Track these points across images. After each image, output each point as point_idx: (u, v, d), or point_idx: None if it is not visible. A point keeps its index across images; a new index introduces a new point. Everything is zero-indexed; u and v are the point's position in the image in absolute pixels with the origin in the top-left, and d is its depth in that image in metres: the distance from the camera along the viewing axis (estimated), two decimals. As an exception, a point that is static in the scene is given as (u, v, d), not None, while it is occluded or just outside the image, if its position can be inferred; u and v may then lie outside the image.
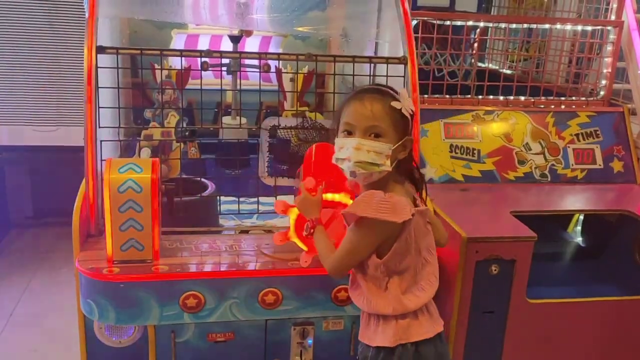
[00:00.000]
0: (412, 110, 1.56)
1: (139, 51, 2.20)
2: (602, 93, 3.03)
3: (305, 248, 1.97)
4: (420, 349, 1.62)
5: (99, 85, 2.10)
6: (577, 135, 2.80)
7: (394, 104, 1.54)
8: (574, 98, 3.00)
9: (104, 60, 2.16)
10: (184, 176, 2.51)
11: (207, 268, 2.00)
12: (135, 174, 1.89)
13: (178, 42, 3.47)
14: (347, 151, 1.54)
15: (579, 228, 2.95)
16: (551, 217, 2.69)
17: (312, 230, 1.73)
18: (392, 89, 1.62)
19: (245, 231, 2.41)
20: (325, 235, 1.72)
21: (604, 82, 3.02)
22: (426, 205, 1.69)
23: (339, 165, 1.60)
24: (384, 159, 1.54)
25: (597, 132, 2.82)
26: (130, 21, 3.18)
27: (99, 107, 2.10)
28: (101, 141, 2.12)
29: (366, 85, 1.73)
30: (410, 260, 1.61)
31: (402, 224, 1.54)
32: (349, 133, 1.57)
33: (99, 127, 2.11)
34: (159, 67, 2.41)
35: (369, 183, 1.60)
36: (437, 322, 1.69)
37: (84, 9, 2.24)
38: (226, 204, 2.59)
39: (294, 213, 1.95)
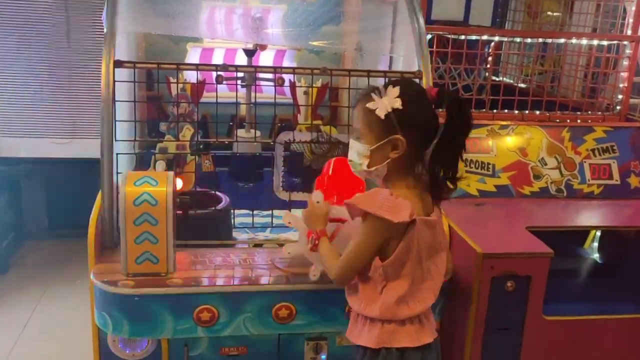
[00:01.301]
0: (392, 109, 1.53)
1: (155, 65, 2.22)
2: (618, 108, 3.00)
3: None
4: (406, 356, 1.62)
5: (116, 99, 2.12)
6: (593, 150, 2.78)
7: (368, 105, 1.56)
8: (589, 113, 2.98)
9: (121, 73, 2.18)
10: (199, 189, 2.51)
11: (221, 282, 2.01)
12: (151, 187, 1.90)
13: (193, 55, 3.50)
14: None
15: (595, 244, 2.91)
16: (567, 232, 2.65)
17: (316, 242, 1.73)
18: (395, 84, 1.58)
19: (258, 245, 2.41)
20: (329, 246, 1.72)
21: (620, 96, 3.00)
22: (439, 219, 1.67)
23: None
24: (363, 159, 1.60)
25: (614, 147, 2.79)
26: (146, 35, 3.22)
27: (115, 121, 2.11)
28: (117, 154, 2.14)
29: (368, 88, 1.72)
30: (410, 269, 1.59)
31: (405, 228, 1.53)
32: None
33: (115, 140, 2.13)
34: (174, 81, 2.43)
35: (382, 182, 1.63)
36: (427, 333, 1.66)
37: (101, 22, 2.27)
38: (240, 217, 2.60)
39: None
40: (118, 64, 2.11)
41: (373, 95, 1.55)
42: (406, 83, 1.65)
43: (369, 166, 1.59)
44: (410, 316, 1.62)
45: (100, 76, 2.11)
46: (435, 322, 1.75)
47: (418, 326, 1.64)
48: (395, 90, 1.54)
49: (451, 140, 1.55)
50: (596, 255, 2.91)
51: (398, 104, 1.52)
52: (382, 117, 1.54)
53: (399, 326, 1.62)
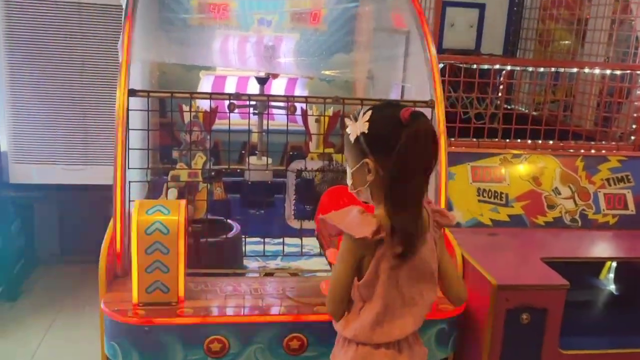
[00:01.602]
0: (360, 133, 1.52)
1: (169, 94, 2.24)
2: (632, 138, 2.98)
3: None
4: None
5: (129, 127, 2.13)
6: (607, 180, 2.75)
7: (346, 130, 1.58)
8: (603, 142, 2.96)
9: (134, 100, 2.19)
10: (210, 217, 2.51)
11: (232, 312, 1.99)
12: (163, 216, 1.90)
13: (206, 83, 3.53)
14: None
15: (611, 275, 2.86)
16: (582, 263, 2.62)
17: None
18: (371, 109, 1.56)
19: (270, 274, 2.39)
20: None
21: (634, 126, 2.98)
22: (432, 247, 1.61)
23: None
24: (348, 181, 1.62)
25: (629, 177, 2.76)
26: (160, 63, 3.25)
27: (128, 149, 2.12)
28: (129, 182, 2.14)
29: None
30: (382, 290, 1.54)
31: (375, 246, 1.51)
32: None
33: (128, 168, 2.13)
34: (187, 110, 2.44)
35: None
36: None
37: (116, 50, 2.30)
38: (251, 244, 2.59)
39: None
40: (132, 92, 2.13)
41: (347, 120, 1.58)
42: (381, 107, 1.61)
43: (353, 189, 1.61)
44: (387, 341, 1.57)
45: (114, 103, 2.13)
46: (423, 351, 1.67)
47: (394, 352, 1.59)
48: (367, 115, 1.54)
49: (401, 170, 1.49)
50: (612, 287, 2.86)
51: (365, 127, 1.52)
52: (352, 141, 1.55)
53: (373, 349, 1.57)
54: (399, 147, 1.46)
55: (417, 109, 1.54)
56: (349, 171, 1.61)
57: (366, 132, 1.52)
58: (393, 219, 1.50)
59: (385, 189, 1.51)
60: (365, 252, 1.53)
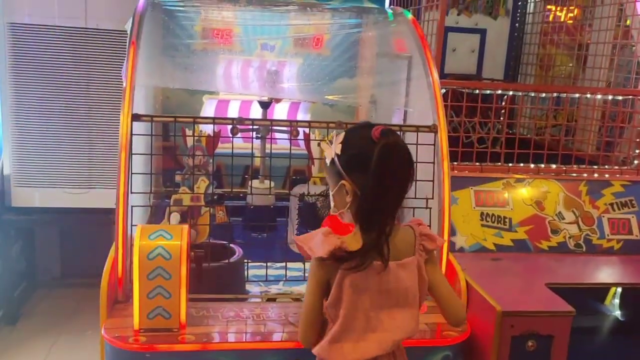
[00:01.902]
0: (335, 154, 1.53)
1: (172, 119, 2.24)
2: (635, 162, 2.98)
3: None
4: None
5: (132, 151, 2.13)
6: (611, 204, 2.74)
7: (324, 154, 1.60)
8: (606, 167, 2.96)
9: (138, 124, 2.20)
10: (212, 241, 2.50)
11: (233, 338, 1.96)
12: (165, 241, 1.89)
13: (209, 107, 3.55)
14: None
15: (616, 301, 2.84)
16: (587, 289, 2.60)
17: None
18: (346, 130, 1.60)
19: (272, 299, 2.37)
20: None
21: (637, 151, 2.98)
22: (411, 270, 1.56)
23: None
24: (331, 203, 1.61)
25: (633, 202, 2.76)
26: (164, 88, 3.27)
27: (131, 173, 2.12)
28: (132, 207, 2.13)
29: None
30: (344, 310, 1.52)
31: (335, 269, 1.50)
32: None
33: (131, 192, 2.13)
34: (190, 135, 2.45)
35: None
36: None
37: (120, 75, 2.31)
38: (253, 268, 2.57)
39: None
40: (136, 117, 2.14)
41: (322, 144, 1.59)
42: (355, 128, 1.62)
43: (335, 211, 1.60)
44: None
45: (117, 128, 2.14)
46: None
47: None
48: (341, 136, 1.56)
49: (375, 187, 1.47)
50: (618, 313, 2.83)
51: (339, 149, 1.53)
52: (329, 163, 1.56)
53: None
54: (372, 164, 1.45)
55: (388, 127, 1.52)
56: (330, 194, 1.61)
57: (340, 153, 1.53)
58: (364, 237, 1.50)
59: (359, 207, 1.50)
60: (329, 273, 1.52)
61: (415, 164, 1.57)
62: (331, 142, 1.57)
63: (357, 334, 1.54)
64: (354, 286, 1.52)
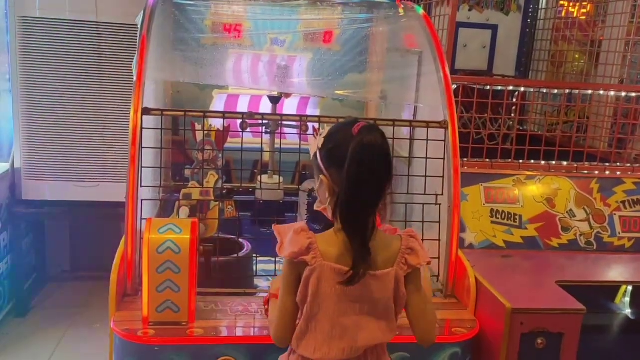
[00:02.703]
0: (318, 149, 1.49)
1: (182, 113, 2.24)
2: (647, 159, 2.95)
3: None
4: None
5: (142, 145, 2.14)
6: (623, 202, 2.72)
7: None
8: (618, 164, 2.93)
9: (148, 118, 2.20)
10: (221, 235, 2.50)
11: (241, 332, 1.97)
12: (175, 235, 1.89)
13: (219, 102, 3.55)
14: None
15: (627, 299, 2.82)
16: (597, 287, 2.58)
17: (266, 307, 1.66)
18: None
19: (280, 293, 2.37)
20: (275, 304, 1.60)
21: (649, 148, 2.95)
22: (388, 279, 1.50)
23: None
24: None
25: (644, 200, 2.73)
26: (174, 82, 3.27)
27: (141, 167, 2.13)
28: (142, 200, 2.14)
29: None
30: (308, 311, 1.49)
31: (304, 268, 1.46)
32: None
33: (141, 186, 2.13)
34: (200, 129, 2.45)
35: None
36: None
37: (129, 69, 2.31)
38: (262, 263, 2.57)
39: None
40: (146, 111, 2.14)
41: (310, 137, 1.55)
42: (340, 123, 1.54)
43: (319, 206, 1.56)
44: (308, 357, 1.51)
45: (127, 122, 2.14)
46: None
47: None
48: (325, 131, 1.51)
49: (349, 184, 1.42)
50: (628, 311, 2.81)
51: (321, 143, 1.49)
52: (312, 157, 1.52)
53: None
54: (347, 159, 1.40)
55: (371, 124, 1.48)
56: (315, 188, 1.57)
57: (321, 147, 1.49)
58: (343, 237, 1.44)
59: (335, 204, 1.45)
60: (300, 268, 1.48)
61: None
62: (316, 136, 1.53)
63: (322, 336, 1.50)
64: (319, 287, 1.47)
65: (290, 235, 1.48)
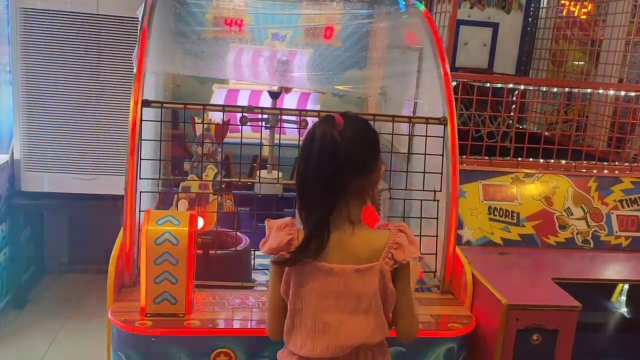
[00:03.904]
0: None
1: (182, 105, 2.25)
2: (646, 159, 2.96)
3: None
4: None
5: (142, 137, 2.14)
6: (620, 201, 2.72)
7: None
8: (616, 163, 2.94)
9: (147, 111, 2.20)
10: (219, 229, 2.51)
11: (239, 325, 1.97)
12: (173, 227, 1.89)
13: (219, 96, 3.56)
14: None
15: (623, 298, 2.83)
16: (593, 285, 2.59)
17: None
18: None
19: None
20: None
21: (648, 147, 2.96)
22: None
23: None
24: None
25: (642, 199, 2.74)
26: (174, 75, 3.28)
27: (140, 159, 2.13)
28: (141, 192, 2.14)
29: None
30: (291, 305, 1.50)
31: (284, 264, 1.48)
32: None
33: (140, 178, 2.14)
34: (199, 122, 2.46)
35: None
36: None
37: (130, 61, 2.32)
38: (260, 257, 2.57)
39: None
40: (146, 103, 2.14)
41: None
42: (328, 115, 1.49)
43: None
44: (296, 353, 1.52)
45: (127, 114, 2.15)
46: None
47: None
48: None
49: (301, 176, 1.43)
50: (624, 310, 2.82)
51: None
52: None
53: (288, 357, 1.56)
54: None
55: (351, 114, 1.48)
56: None
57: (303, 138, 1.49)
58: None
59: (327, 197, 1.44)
60: (282, 267, 1.49)
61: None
62: None
63: (306, 332, 1.51)
64: (298, 282, 1.48)
65: (273, 230, 1.49)
